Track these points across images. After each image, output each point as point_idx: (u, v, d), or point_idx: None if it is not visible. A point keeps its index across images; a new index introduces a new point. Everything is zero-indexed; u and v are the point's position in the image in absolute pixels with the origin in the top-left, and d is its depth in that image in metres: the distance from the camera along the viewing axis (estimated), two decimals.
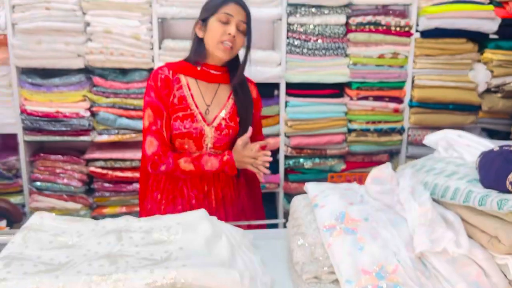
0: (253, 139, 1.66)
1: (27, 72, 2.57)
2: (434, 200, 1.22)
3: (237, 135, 1.65)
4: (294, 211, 1.37)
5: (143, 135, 1.62)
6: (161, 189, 1.70)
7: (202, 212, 1.31)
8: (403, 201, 1.23)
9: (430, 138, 1.53)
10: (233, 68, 1.68)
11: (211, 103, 1.65)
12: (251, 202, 1.82)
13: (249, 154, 1.58)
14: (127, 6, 2.46)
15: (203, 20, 1.61)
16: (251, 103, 1.70)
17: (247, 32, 1.63)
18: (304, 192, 2.91)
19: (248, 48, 1.66)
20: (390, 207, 1.26)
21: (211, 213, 1.58)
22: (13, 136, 2.64)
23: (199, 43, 1.63)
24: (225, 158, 1.60)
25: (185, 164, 1.59)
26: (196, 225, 1.22)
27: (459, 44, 2.66)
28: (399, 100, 2.75)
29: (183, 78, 1.64)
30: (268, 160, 1.57)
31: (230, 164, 1.59)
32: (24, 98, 2.57)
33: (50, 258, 1.07)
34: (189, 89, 1.63)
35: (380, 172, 1.38)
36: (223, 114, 1.65)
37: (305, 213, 1.31)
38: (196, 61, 1.64)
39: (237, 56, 1.67)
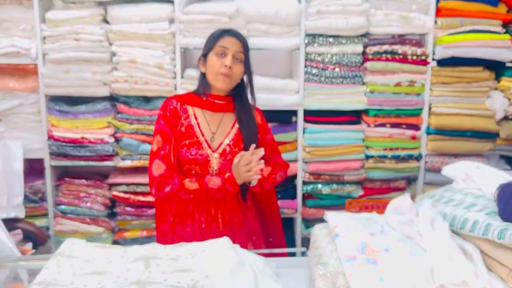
0: (267, 161, 1.76)
1: (55, 99, 2.68)
2: (453, 231, 1.24)
3: None
4: (314, 240, 1.40)
5: (150, 158, 1.69)
6: (173, 212, 1.76)
7: (225, 241, 1.35)
8: (422, 232, 1.25)
9: (448, 169, 1.55)
10: (237, 97, 1.77)
11: (216, 131, 1.73)
12: (258, 225, 1.87)
13: (243, 163, 1.62)
14: (152, 37, 2.57)
15: (204, 56, 1.73)
16: (255, 129, 1.77)
17: (245, 61, 1.71)
18: (322, 218, 2.92)
19: (249, 76, 1.75)
20: (410, 237, 1.28)
21: (218, 236, 1.65)
22: (40, 161, 2.73)
23: (203, 77, 1.75)
24: (226, 175, 1.66)
25: (189, 183, 1.65)
26: (221, 254, 1.27)
27: (476, 72, 2.70)
28: (416, 127, 2.78)
29: (190, 109, 1.74)
30: (259, 167, 1.60)
31: (231, 181, 1.65)
32: (52, 125, 2.67)
33: (83, 284, 1.13)
34: (196, 118, 1.73)
35: (399, 203, 1.41)
36: (227, 140, 1.73)
37: (326, 243, 1.34)
38: (202, 92, 1.75)
39: (242, 85, 1.77)
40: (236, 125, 1.76)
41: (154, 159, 1.68)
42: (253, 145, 1.66)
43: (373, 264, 1.17)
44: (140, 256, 1.27)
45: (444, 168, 1.56)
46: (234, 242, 1.64)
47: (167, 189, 1.65)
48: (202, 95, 1.75)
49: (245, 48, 1.71)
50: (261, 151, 1.66)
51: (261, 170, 1.62)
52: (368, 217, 1.45)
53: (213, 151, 1.71)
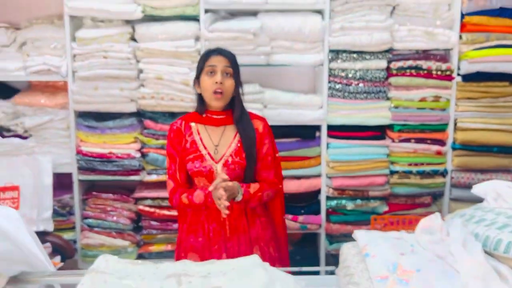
0: (258, 174, 1.89)
1: (83, 115, 2.75)
2: (486, 252, 1.23)
3: (246, 168, 1.85)
4: (344, 259, 1.40)
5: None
6: (188, 222, 1.90)
7: (255, 258, 1.36)
8: (454, 252, 1.24)
9: (479, 188, 1.53)
10: (235, 109, 1.88)
11: (219, 143, 1.86)
12: (269, 232, 1.93)
13: (214, 195, 1.72)
14: (178, 54, 2.62)
15: (197, 78, 1.86)
16: (253, 137, 1.87)
17: (234, 74, 1.83)
18: (346, 234, 2.92)
19: (237, 88, 1.86)
20: (442, 258, 1.27)
21: (224, 241, 1.81)
22: (68, 175, 2.80)
23: (199, 97, 1.89)
24: (207, 191, 1.78)
25: (184, 199, 1.84)
26: (251, 272, 1.27)
27: (502, 87, 2.67)
28: (441, 142, 2.76)
29: (193, 126, 1.89)
30: (224, 203, 1.68)
31: (211, 197, 1.75)
32: (80, 140, 2.74)
33: None
34: (198, 134, 1.87)
35: (430, 222, 1.40)
36: (229, 151, 1.85)
37: (356, 262, 1.34)
38: (202, 110, 1.89)
39: (238, 98, 1.87)
40: (238, 136, 1.87)
41: (167, 179, 1.92)
42: (221, 173, 1.76)
43: (405, 284, 1.17)
44: (172, 273, 1.28)
45: (474, 186, 1.54)
46: (239, 247, 1.82)
47: (174, 202, 1.88)
48: (202, 113, 1.89)
49: (232, 63, 1.83)
50: (223, 176, 1.73)
51: (228, 207, 1.69)
52: (398, 236, 1.44)
53: (216, 162, 1.83)
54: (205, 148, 1.85)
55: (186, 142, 1.86)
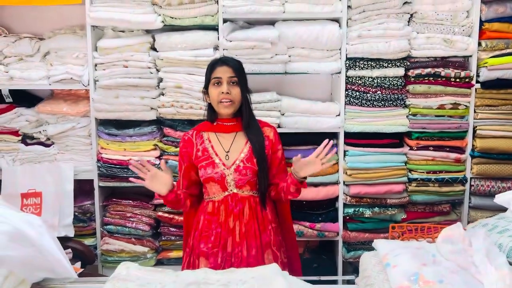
0: (278, 178, 1.94)
1: (104, 123, 2.80)
2: (510, 263, 1.22)
3: (258, 173, 1.89)
4: (364, 269, 1.40)
5: None
6: (199, 229, 1.94)
7: (275, 267, 1.37)
8: (478, 263, 1.24)
9: (502, 197, 1.53)
10: (243, 116, 1.93)
11: (229, 150, 1.91)
12: (277, 238, 1.96)
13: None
14: (197, 63, 2.66)
15: (206, 88, 1.93)
16: (262, 143, 1.92)
17: (240, 82, 1.88)
18: (364, 242, 2.89)
19: (244, 95, 1.90)
20: (464, 268, 1.27)
21: (233, 247, 1.84)
22: (88, 182, 2.85)
23: (209, 107, 1.97)
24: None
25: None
26: (271, 280, 1.29)
27: None
28: (460, 150, 2.74)
29: (205, 134, 1.95)
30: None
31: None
32: (101, 147, 2.79)
33: None
34: (210, 142, 1.93)
35: (451, 232, 1.40)
36: (241, 157, 1.89)
37: (377, 272, 1.34)
38: (212, 119, 1.96)
39: (246, 105, 1.92)
40: (249, 142, 1.92)
41: None
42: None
43: None
44: (192, 281, 1.30)
45: (497, 196, 1.54)
46: (250, 252, 1.86)
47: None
48: (213, 121, 1.96)
49: (237, 71, 1.88)
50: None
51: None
52: (419, 245, 1.44)
53: (228, 168, 1.88)
54: (216, 155, 1.90)
55: (198, 151, 1.92)
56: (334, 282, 2.68)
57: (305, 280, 1.66)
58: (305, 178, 1.85)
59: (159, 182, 1.83)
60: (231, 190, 1.89)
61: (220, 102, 1.86)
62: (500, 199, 1.53)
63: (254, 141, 1.90)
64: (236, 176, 1.87)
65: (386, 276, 1.29)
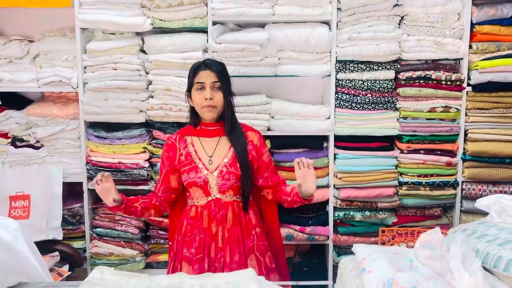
0: (266, 181, 1.94)
1: (93, 125, 2.79)
2: (486, 269, 1.20)
3: (241, 178, 1.87)
4: (341, 274, 1.38)
5: None
6: (182, 233, 1.93)
7: (250, 272, 1.35)
8: (453, 269, 1.21)
9: (482, 202, 1.50)
10: (226, 120, 1.91)
11: (213, 154, 1.89)
12: (262, 242, 1.94)
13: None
14: (186, 66, 2.64)
15: (189, 91, 1.91)
16: (245, 146, 1.90)
17: (222, 87, 1.85)
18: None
19: (227, 99, 1.87)
20: (440, 274, 1.24)
21: (216, 253, 1.83)
22: (78, 185, 2.84)
23: (192, 110, 1.94)
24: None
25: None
26: (244, 286, 1.27)
27: None
28: (452, 153, 2.71)
29: (188, 139, 1.94)
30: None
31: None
32: (90, 150, 2.78)
33: None
34: (193, 146, 1.91)
35: (429, 237, 1.37)
36: (224, 162, 1.88)
37: (353, 277, 1.32)
38: (195, 123, 1.94)
39: (229, 109, 1.90)
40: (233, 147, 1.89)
41: None
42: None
43: None
44: (166, 286, 1.29)
45: (478, 200, 1.51)
46: (232, 257, 1.84)
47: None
48: (195, 125, 1.94)
49: (220, 76, 1.86)
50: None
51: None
52: (397, 250, 1.42)
53: (211, 173, 1.86)
54: (199, 159, 1.88)
55: (181, 155, 1.91)
56: (324, 287, 2.65)
57: (293, 285, 1.64)
58: (310, 196, 1.82)
59: (107, 194, 1.83)
60: (214, 195, 1.88)
61: (204, 107, 1.85)
62: (480, 203, 1.51)
63: (237, 146, 1.89)
64: (219, 181, 1.86)
65: (361, 282, 1.27)
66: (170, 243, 2.04)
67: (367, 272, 1.28)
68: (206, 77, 1.85)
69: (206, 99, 1.83)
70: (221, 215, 1.87)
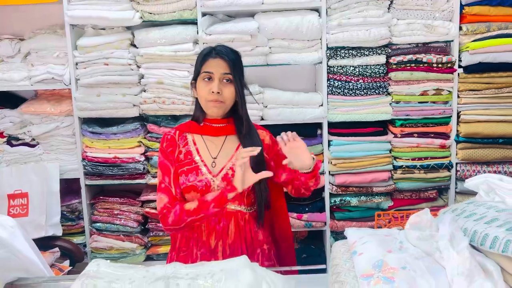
0: (290, 173, 1.68)
1: (88, 121, 2.81)
2: (474, 247, 1.22)
3: (254, 187, 1.60)
4: (334, 257, 1.40)
5: (157, 194, 1.64)
6: (176, 249, 1.69)
7: (244, 259, 1.37)
8: (442, 248, 1.24)
9: (471, 182, 1.51)
10: (237, 118, 1.66)
11: (217, 156, 1.64)
12: (270, 246, 1.74)
13: (237, 158, 1.56)
14: (177, 58, 2.65)
15: (195, 79, 1.65)
16: (262, 152, 1.62)
17: (234, 80, 1.59)
18: None
19: (240, 94, 1.61)
20: (429, 254, 1.27)
21: None
22: (76, 181, 2.86)
23: (197, 102, 1.68)
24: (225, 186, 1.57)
25: (190, 204, 1.57)
26: (238, 272, 1.29)
27: (506, 77, 2.62)
28: (445, 135, 2.73)
29: (189, 136, 1.67)
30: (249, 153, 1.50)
31: (229, 184, 1.55)
32: (86, 146, 2.79)
33: None
34: (195, 144, 1.65)
35: (419, 218, 1.39)
36: (230, 164, 1.62)
37: (344, 260, 1.34)
38: (199, 118, 1.68)
39: (243, 106, 1.65)
40: (241, 148, 1.63)
41: (157, 194, 1.63)
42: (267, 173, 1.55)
43: (389, 282, 1.16)
44: (161, 276, 1.31)
45: (467, 181, 1.52)
46: None
47: (170, 219, 1.56)
48: (199, 121, 1.68)
49: (233, 66, 1.59)
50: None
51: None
52: (388, 233, 1.43)
53: (214, 176, 1.61)
54: (201, 159, 1.62)
55: (180, 153, 1.64)
56: (323, 270, 2.69)
57: (292, 270, 1.65)
58: (310, 168, 1.59)
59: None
60: None
61: (209, 101, 1.59)
62: (469, 183, 1.52)
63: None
64: (223, 185, 1.58)
65: (353, 264, 1.29)
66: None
67: (358, 255, 1.30)
68: (216, 66, 1.58)
69: (212, 92, 1.56)
70: (222, 226, 1.61)
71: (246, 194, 1.64)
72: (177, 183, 1.62)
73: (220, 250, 1.61)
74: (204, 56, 1.62)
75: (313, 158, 1.62)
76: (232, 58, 1.61)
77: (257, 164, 1.59)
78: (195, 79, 1.65)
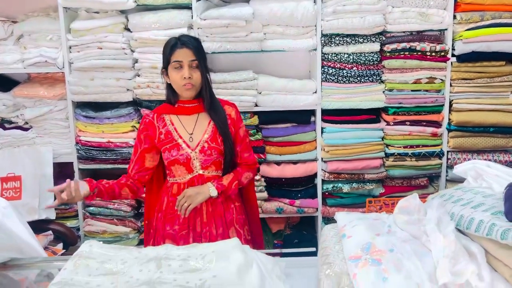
0: (240, 156, 1.95)
1: (81, 105, 2.80)
2: (460, 231, 1.25)
3: (224, 153, 1.89)
4: (323, 240, 1.43)
5: None
6: (163, 211, 1.93)
7: (235, 241, 1.40)
8: (429, 232, 1.26)
9: (459, 168, 1.54)
10: (204, 96, 1.89)
11: (193, 131, 1.89)
12: (243, 216, 2.00)
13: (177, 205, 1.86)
14: None
15: (165, 68, 1.86)
16: (225, 120, 1.91)
17: (200, 64, 1.82)
18: None
19: (204, 75, 1.85)
20: (417, 238, 1.29)
21: (201, 227, 1.86)
22: (69, 165, 2.86)
23: (169, 87, 1.90)
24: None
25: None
26: (229, 254, 1.31)
27: (498, 66, 2.64)
28: (437, 124, 2.75)
29: (166, 117, 1.91)
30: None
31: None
32: (79, 130, 2.79)
33: (97, 284, 1.20)
34: (172, 124, 1.90)
35: (408, 203, 1.42)
36: (205, 138, 1.88)
37: (334, 243, 1.37)
38: (172, 100, 1.91)
39: (207, 85, 1.87)
40: (212, 122, 1.90)
41: None
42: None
43: (377, 264, 1.19)
44: (153, 257, 1.33)
45: (455, 167, 1.56)
46: (217, 230, 1.88)
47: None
48: (173, 103, 1.91)
49: (197, 54, 1.82)
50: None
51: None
52: (377, 217, 1.46)
53: (192, 150, 1.86)
54: (180, 137, 1.87)
55: (161, 134, 1.89)
56: (314, 253, 2.72)
57: (282, 253, 1.69)
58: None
59: (76, 198, 1.74)
60: (197, 172, 1.87)
61: (182, 86, 1.81)
62: (458, 169, 1.55)
63: (218, 121, 1.88)
64: (201, 157, 1.86)
65: (342, 247, 1.31)
66: (147, 222, 2.03)
67: (347, 238, 1.33)
68: (184, 55, 1.80)
69: (184, 78, 1.79)
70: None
71: (220, 161, 1.90)
72: (138, 161, 1.92)
73: (204, 210, 1.88)
74: (172, 47, 1.84)
75: (214, 189, 1.86)
76: (196, 46, 1.84)
77: (223, 135, 1.88)
78: (165, 67, 1.87)
